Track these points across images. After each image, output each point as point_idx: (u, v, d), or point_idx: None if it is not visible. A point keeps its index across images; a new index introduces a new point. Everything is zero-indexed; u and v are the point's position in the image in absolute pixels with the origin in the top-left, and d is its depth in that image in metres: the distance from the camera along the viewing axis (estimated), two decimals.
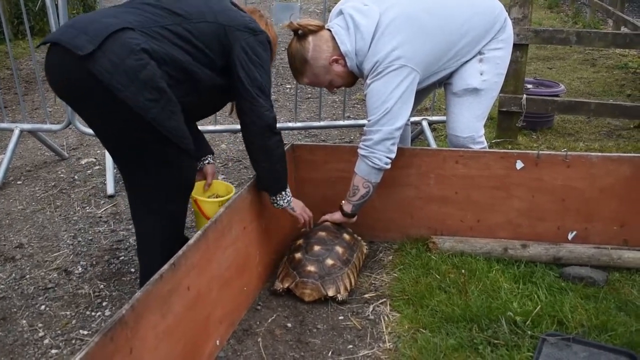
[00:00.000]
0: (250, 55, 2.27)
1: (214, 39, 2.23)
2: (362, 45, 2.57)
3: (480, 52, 2.75)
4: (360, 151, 2.63)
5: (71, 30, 2.04)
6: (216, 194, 2.76)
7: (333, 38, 2.62)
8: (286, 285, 2.56)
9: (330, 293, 2.51)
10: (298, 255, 2.62)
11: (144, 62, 2.03)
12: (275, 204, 2.57)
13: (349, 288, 2.57)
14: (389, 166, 2.62)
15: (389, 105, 2.53)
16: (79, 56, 1.96)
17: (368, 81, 2.59)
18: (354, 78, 2.75)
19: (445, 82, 2.86)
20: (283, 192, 2.55)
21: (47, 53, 2.14)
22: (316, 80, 2.70)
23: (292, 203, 2.61)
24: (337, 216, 2.78)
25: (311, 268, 2.55)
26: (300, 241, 2.68)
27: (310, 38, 2.60)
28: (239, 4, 2.44)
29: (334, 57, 2.62)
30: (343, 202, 2.75)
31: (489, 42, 2.74)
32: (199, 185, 2.73)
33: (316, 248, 2.61)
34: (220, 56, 2.26)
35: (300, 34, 2.61)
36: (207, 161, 2.74)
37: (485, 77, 2.76)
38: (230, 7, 2.32)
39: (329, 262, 2.57)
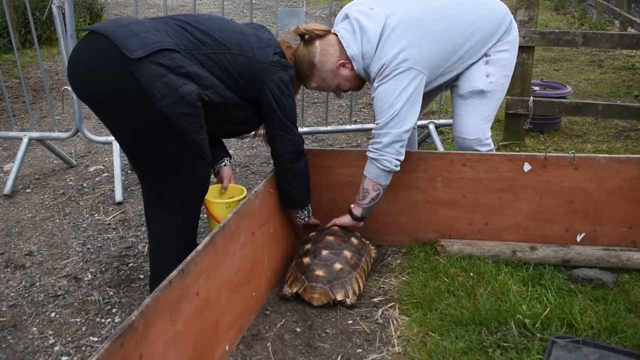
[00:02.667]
0: (283, 89, 2.43)
1: (249, 72, 2.36)
2: (369, 48, 2.58)
3: (486, 55, 2.75)
4: (369, 154, 2.63)
5: (124, 30, 2.12)
6: (231, 197, 2.77)
7: (339, 42, 2.62)
8: (295, 290, 2.57)
9: (339, 297, 2.51)
10: (306, 260, 2.62)
11: (187, 79, 2.15)
12: (300, 220, 2.77)
13: (357, 292, 2.57)
14: (398, 168, 2.63)
15: (397, 107, 2.53)
16: (126, 57, 2.05)
17: (375, 84, 2.60)
18: (361, 82, 2.75)
19: (451, 84, 2.86)
20: (309, 207, 2.76)
21: (82, 41, 2.20)
22: (324, 85, 2.71)
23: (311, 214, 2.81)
24: (346, 220, 2.78)
25: (319, 272, 2.55)
26: (309, 246, 2.69)
27: (317, 42, 2.61)
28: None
29: (341, 61, 2.62)
30: (352, 205, 2.76)
31: (494, 45, 2.74)
32: (215, 188, 2.74)
33: (324, 252, 2.62)
34: (251, 88, 2.39)
35: (307, 38, 2.62)
36: (223, 163, 2.77)
37: (491, 79, 2.76)
38: (265, 44, 2.42)
39: (337, 266, 2.57)
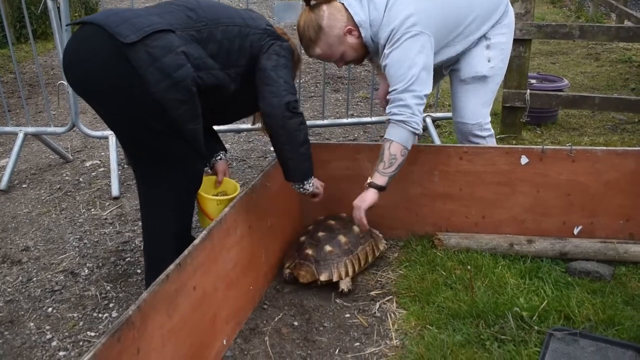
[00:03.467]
0: (279, 52, 2.36)
1: (244, 42, 2.31)
2: (376, 15, 2.57)
3: (486, 37, 2.78)
4: (397, 117, 2.51)
5: (115, 18, 2.09)
6: (224, 192, 2.76)
7: (346, 9, 2.61)
8: (287, 264, 2.67)
9: (322, 278, 2.56)
10: (302, 238, 2.72)
11: (182, 62, 2.09)
12: (302, 189, 2.50)
13: (343, 275, 2.59)
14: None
15: (415, 71, 2.51)
16: (120, 43, 2.01)
17: (386, 51, 2.57)
18: (365, 52, 2.72)
19: (452, 68, 2.89)
20: (310, 179, 2.50)
21: (75, 34, 2.17)
22: (329, 52, 2.67)
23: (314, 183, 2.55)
24: (371, 196, 2.54)
25: (309, 251, 2.63)
26: (311, 227, 2.77)
27: (324, 7, 2.59)
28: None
29: (348, 27, 2.60)
30: (373, 177, 2.56)
31: (494, 26, 2.77)
32: (210, 180, 2.73)
33: (320, 234, 2.68)
34: (247, 61, 2.33)
35: (313, 4, 2.61)
36: (219, 157, 2.74)
37: (492, 63, 2.80)
38: (258, 17, 2.41)
39: (327, 248, 2.63)
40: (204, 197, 2.63)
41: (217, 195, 2.72)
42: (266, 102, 2.31)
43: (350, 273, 2.63)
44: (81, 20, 2.17)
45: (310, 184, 2.51)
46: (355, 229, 2.74)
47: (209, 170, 2.76)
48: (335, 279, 2.57)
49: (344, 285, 2.57)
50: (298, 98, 2.49)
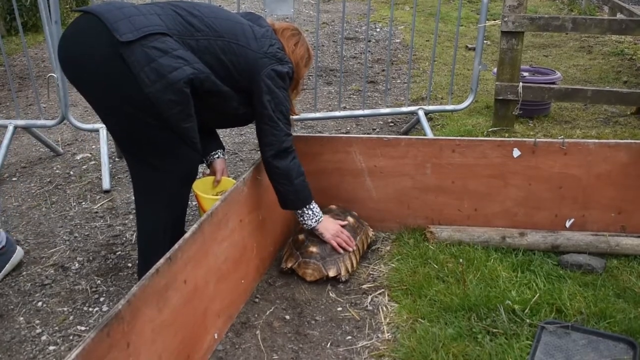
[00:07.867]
0: (277, 80, 2.35)
1: (242, 62, 2.30)
2: None
3: None
4: None
5: (117, 13, 2.09)
6: (224, 191, 2.73)
7: None
8: (289, 265, 2.63)
9: (331, 273, 2.57)
10: (301, 236, 2.69)
11: (177, 65, 2.10)
12: (305, 224, 2.60)
13: (350, 270, 2.62)
14: None
15: None
16: (116, 40, 2.01)
17: None
18: None
19: None
20: (309, 211, 2.56)
21: (73, 22, 2.16)
22: None
23: (321, 223, 2.61)
24: None
25: (313, 249, 2.61)
26: None
27: None
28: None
29: None
30: None
31: None
32: (208, 180, 2.71)
33: None
34: (244, 78, 2.33)
35: None
36: (217, 155, 2.72)
37: None
38: (261, 36, 2.37)
39: None
40: (204, 197, 2.62)
41: (216, 194, 2.70)
42: (265, 141, 2.42)
43: (355, 265, 2.66)
44: (83, 9, 2.16)
45: (313, 220, 2.57)
46: (350, 219, 2.75)
47: (207, 170, 2.75)
48: (343, 273, 2.58)
49: (344, 276, 2.60)
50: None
